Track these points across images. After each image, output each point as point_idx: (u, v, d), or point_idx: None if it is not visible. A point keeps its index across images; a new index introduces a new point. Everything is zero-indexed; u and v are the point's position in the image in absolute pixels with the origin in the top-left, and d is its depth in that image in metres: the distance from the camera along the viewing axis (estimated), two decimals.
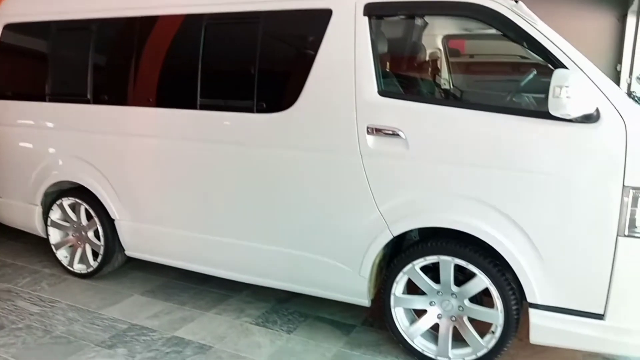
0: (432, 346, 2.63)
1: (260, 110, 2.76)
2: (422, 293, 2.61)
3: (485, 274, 2.41)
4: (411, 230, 2.58)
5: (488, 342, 2.47)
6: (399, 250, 2.72)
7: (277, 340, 2.86)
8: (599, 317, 2.23)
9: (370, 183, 2.54)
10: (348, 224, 2.65)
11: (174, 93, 3.09)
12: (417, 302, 2.63)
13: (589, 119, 2.13)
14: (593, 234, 2.17)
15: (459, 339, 2.56)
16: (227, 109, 2.86)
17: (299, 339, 2.89)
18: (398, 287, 2.63)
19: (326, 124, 2.60)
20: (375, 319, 3.07)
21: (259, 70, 2.77)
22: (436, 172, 2.40)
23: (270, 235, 2.88)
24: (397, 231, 2.54)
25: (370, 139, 2.50)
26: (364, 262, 2.65)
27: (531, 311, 2.34)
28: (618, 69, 5.47)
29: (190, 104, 2.96)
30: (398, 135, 2.43)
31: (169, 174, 3.14)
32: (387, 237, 2.57)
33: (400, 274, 2.60)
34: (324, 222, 2.71)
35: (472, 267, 2.43)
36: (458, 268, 2.49)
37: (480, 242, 2.38)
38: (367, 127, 2.49)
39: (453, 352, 2.56)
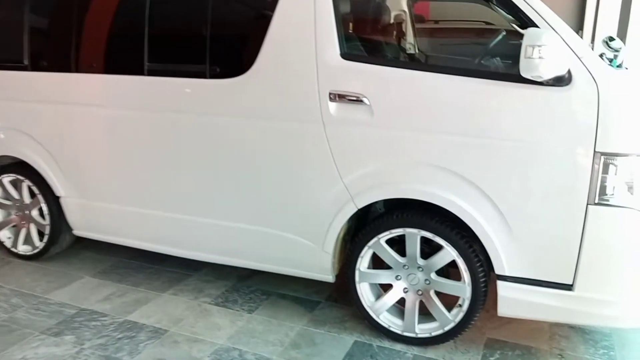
0: (398, 321, 2.54)
1: (214, 75, 2.55)
2: (388, 267, 2.51)
3: (452, 246, 2.31)
4: (376, 202, 2.45)
5: (455, 316, 2.39)
6: (364, 223, 2.60)
7: (238, 321, 2.72)
8: (568, 287, 2.17)
9: (334, 153, 2.39)
10: (310, 197, 2.50)
11: (118, 57, 2.84)
12: (383, 277, 2.52)
13: (561, 81, 2.02)
14: (562, 202, 2.09)
15: (426, 314, 2.48)
16: (178, 74, 2.64)
17: (261, 318, 2.75)
18: (363, 262, 2.52)
19: (285, 90, 2.41)
20: (340, 294, 2.96)
21: (212, 31, 2.55)
22: (402, 141, 2.27)
23: (228, 210, 2.71)
24: (362, 203, 2.41)
25: (333, 106, 2.34)
26: (328, 237, 2.52)
27: (499, 283, 2.27)
28: (580, 35, 5.43)
29: (136, 70, 2.72)
30: (362, 101, 2.28)
31: (115, 147, 2.91)
32: (351, 210, 2.44)
33: (365, 248, 2.48)
34: (285, 195, 2.55)
35: (438, 240, 2.33)
36: (424, 240, 2.39)
37: (447, 213, 2.28)
38: (330, 93, 2.33)
39: (420, 327, 2.48)
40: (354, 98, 2.29)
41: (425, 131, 2.23)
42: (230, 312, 2.81)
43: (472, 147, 2.16)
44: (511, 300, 2.26)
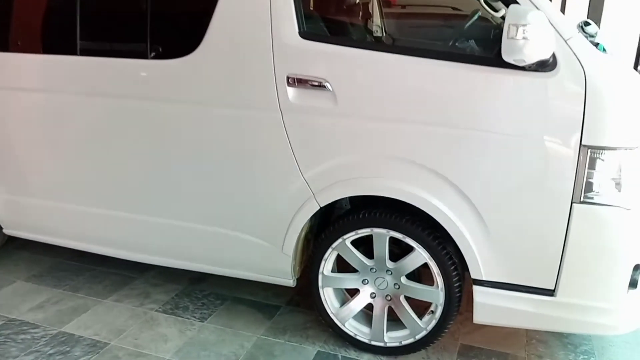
0: (365, 329, 2.32)
1: (156, 55, 2.24)
2: (354, 270, 2.27)
3: (423, 247, 2.10)
4: (341, 199, 2.20)
5: (427, 323, 2.19)
6: (328, 221, 2.35)
7: (188, 331, 2.45)
8: (550, 293, 1.98)
9: (293, 145, 2.12)
10: (267, 194, 2.23)
11: (47, 34, 2.49)
12: (349, 281, 2.29)
13: (544, 66, 1.81)
14: (545, 200, 1.90)
15: (395, 320, 2.26)
16: (114, 54, 2.32)
17: (214, 327, 2.49)
18: (327, 265, 2.28)
19: (237, 72, 2.12)
20: (301, 297, 2.72)
21: (153, 5, 2.23)
22: (369, 131, 2.02)
23: (175, 208, 2.42)
24: (325, 201, 2.16)
25: (292, 92, 2.06)
26: (287, 238, 2.26)
27: (475, 288, 2.06)
28: None
29: (68, 49, 2.38)
30: (324, 87, 2.02)
31: (46, 136, 2.56)
32: (313, 208, 2.18)
33: (329, 250, 2.24)
34: (239, 192, 2.27)
35: (409, 241, 2.11)
36: (394, 241, 2.16)
37: (418, 212, 2.05)
38: (288, 77, 2.05)
39: (389, 335, 2.26)
40: (316, 83, 2.03)
41: (394, 121, 1.98)
42: (180, 320, 2.53)
43: (446, 139, 1.93)
44: (488, 307, 2.06)
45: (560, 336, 2.44)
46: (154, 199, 2.44)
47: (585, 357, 2.30)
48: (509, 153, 1.89)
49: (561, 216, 1.89)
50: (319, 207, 2.17)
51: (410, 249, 2.16)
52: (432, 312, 2.19)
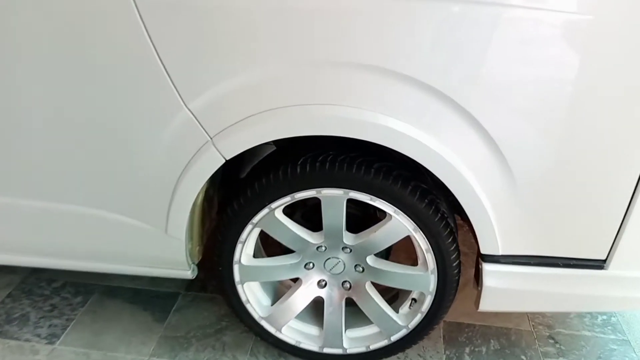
0: (313, 330, 1.53)
1: None
2: (289, 250, 1.42)
3: (406, 213, 1.27)
4: (264, 145, 1.28)
5: (409, 319, 1.44)
6: (240, 182, 1.44)
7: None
8: (599, 265, 1.29)
9: (161, 55, 1.11)
10: (135, 142, 1.25)
11: None
12: (283, 270, 1.44)
13: None
14: (614, 143, 1.12)
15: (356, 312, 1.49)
16: None
17: (71, 352, 1.56)
18: (245, 249, 1.40)
19: None
20: (207, 271, 1.84)
21: None
22: (301, 19, 1.06)
23: (12, 180, 1.36)
24: (232, 150, 1.22)
25: None
26: (172, 214, 1.33)
27: (486, 268, 1.31)
28: None
29: None
30: None
31: None
32: (213, 162, 1.24)
33: (248, 228, 1.35)
34: (90, 144, 1.26)
35: (382, 204, 1.27)
36: (353, 202, 1.32)
37: (393, 156, 1.21)
38: None
39: (349, 336, 1.50)
40: None
41: None
42: (12, 347, 1.57)
43: (454, 24, 1.04)
44: (505, 291, 1.34)
45: None
46: None
47: (605, 318, 1.73)
48: (572, 64, 1.05)
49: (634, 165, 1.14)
50: (223, 161, 1.24)
51: (376, 217, 1.35)
52: (414, 300, 1.44)
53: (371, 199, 1.26)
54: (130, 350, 1.57)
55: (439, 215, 1.28)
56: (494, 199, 1.21)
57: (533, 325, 1.68)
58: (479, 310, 1.37)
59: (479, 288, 1.35)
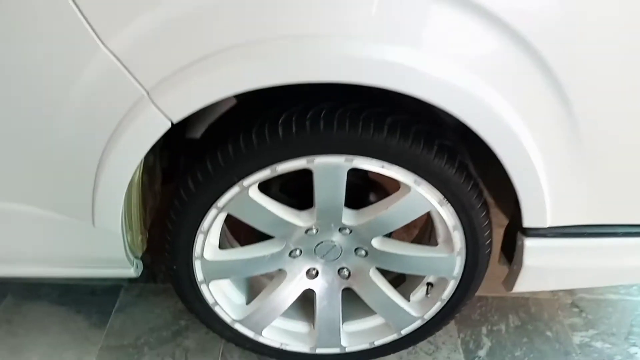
0: (301, 327, 1.21)
1: None
2: (263, 236, 1.07)
3: (430, 181, 0.94)
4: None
5: (424, 309, 1.14)
6: (195, 147, 1.04)
7: None
8: None
9: None
10: (43, 103, 0.84)
11: None
12: (261, 263, 1.08)
13: None
14: None
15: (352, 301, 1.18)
16: None
17: None
18: (209, 240, 1.02)
19: None
20: (155, 252, 1.46)
21: None
22: None
23: None
24: (182, 109, 0.82)
25: None
26: (99, 198, 0.94)
27: (529, 244, 1.01)
28: None
29: None
30: None
31: None
32: (154, 128, 0.84)
33: (212, 214, 0.97)
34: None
35: (397, 173, 0.92)
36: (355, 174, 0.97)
37: (408, 106, 0.87)
38: None
39: (348, 331, 1.20)
40: None
41: None
42: None
43: None
44: (548, 270, 1.06)
45: None
46: None
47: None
48: None
49: None
50: (169, 125, 0.84)
51: (383, 189, 1.01)
52: (431, 285, 1.14)
53: (383, 167, 0.91)
54: None
55: (472, 182, 0.95)
56: (550, 161, 0.90)
57: (552, 292, 1.44)
58: (511, 292, 1.10)
59: (513, 267, 1.06)
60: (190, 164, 0.97)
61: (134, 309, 1.38)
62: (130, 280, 1.45)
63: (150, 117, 0.83)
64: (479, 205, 0.98)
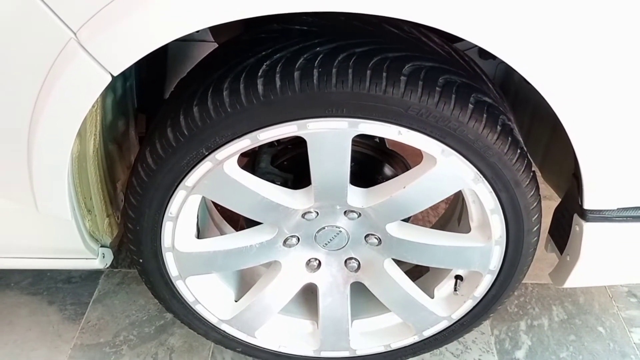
0: (305, 326, 1.01)
1: None
2: (251, 223, 0.86)
3: (462, 153, 0.70)
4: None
5: (452, 308, 0.93)
6: (161, 109, 0.82)
7: None
8: None
9: None
10: None
11: None
12: (249, 254, 0.87)
13: None
14: None
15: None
16: None
17: None
18: (181, 228, 0.82)
19: None
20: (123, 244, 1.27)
21: None
22: None
23: None
24: (123, 57, 0.60)
25: None
26: (37, 176, 0.73)
27: (590, 229, 0.78)
28: None
29: None
30: None
31: None
32: (89, 81, 0.63)
33: (180, 196, 0.76)
34: None
35: (418, 141, 0.69)
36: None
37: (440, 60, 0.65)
38: None
39: (359, 331, 1.00)
40: None
41: None
42: None
43: None
44: (611, 260, 0.84)
45: None
46: None
47: None
48: None
49: None
50: (108, 79, 0.62)
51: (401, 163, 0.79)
52: (461, 279, 0.92)
53: (400, 133, 0.69)
54: None
55: (518, 153, 0.72)
56: (625, 126, 0.66)
57: None
58: (562, 287, 0.88)
59: (566, 257, 0.84)
60: (151, 134, 0.75)
61: (114, 299, 1.20)
62: (111, 265, 1.27)
63: (82, 67, 0.61)
64: (527, 183, 0.75)
